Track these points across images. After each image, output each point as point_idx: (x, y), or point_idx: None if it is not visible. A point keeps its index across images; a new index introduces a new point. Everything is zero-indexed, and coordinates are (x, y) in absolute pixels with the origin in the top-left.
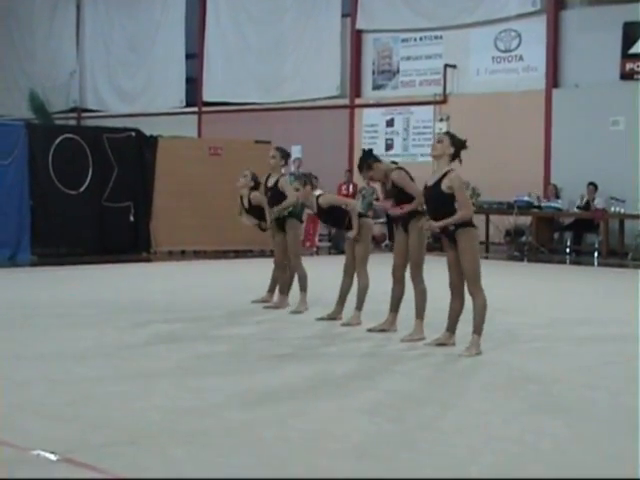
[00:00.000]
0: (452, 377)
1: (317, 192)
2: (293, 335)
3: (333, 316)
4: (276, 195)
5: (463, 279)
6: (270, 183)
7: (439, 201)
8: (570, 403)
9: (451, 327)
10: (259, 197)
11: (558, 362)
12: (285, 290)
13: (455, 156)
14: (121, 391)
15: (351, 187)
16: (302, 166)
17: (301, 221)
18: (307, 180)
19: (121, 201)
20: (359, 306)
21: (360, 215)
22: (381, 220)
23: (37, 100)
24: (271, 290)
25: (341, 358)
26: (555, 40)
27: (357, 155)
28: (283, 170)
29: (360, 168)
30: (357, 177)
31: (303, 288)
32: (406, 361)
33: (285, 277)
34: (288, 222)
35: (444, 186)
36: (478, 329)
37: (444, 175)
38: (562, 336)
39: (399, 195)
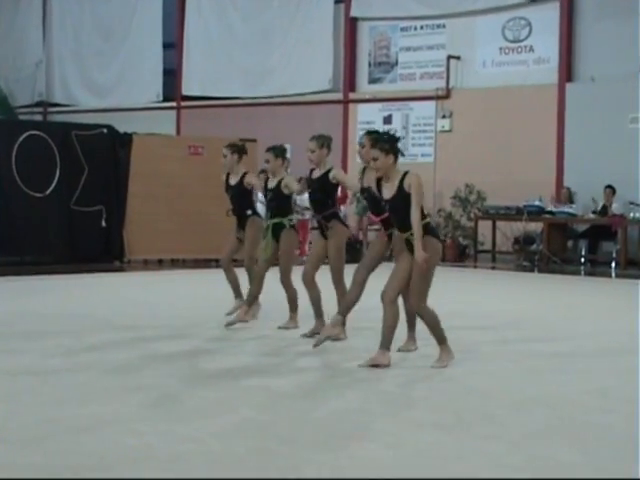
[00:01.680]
0: (450, 397)
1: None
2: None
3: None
4: (278, 198)
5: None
6: (271, 185)
7: (406, 207)
8: (582, 427)
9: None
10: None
11: (569, 382)
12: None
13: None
14: (91, 413)
15: (340, 191)
16: (290, 167)
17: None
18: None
19: (92, 205)
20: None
21: (342, 221)
22: (377, 227)
23: None
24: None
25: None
26: (569, 29)
27: (352, 155)
28: (285, 170)
29: (374, 144)
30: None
31: (294, 309)
32: (393, 378)
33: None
34: (287, 231)
35: (406, 186)
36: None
37: (402, 178)
38: (574, 353)
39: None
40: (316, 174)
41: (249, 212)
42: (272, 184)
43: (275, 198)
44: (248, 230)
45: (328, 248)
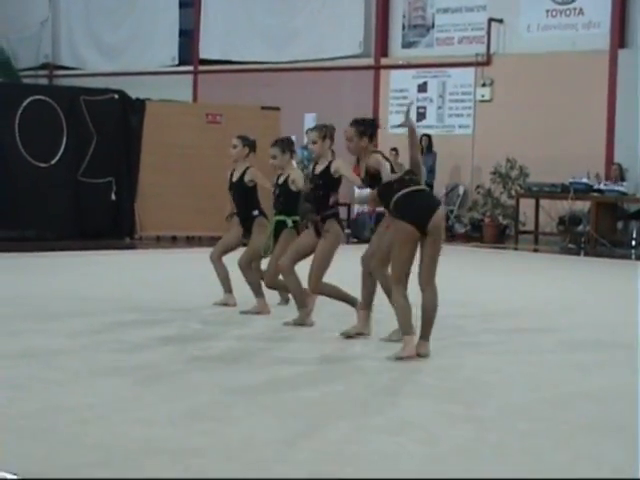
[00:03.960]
0: (492, 391)
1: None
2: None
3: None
4: (285, 194)
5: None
6: (279, 180)
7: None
8: (634, 425)
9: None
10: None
11: (620, 375)
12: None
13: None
14: (96, 402)
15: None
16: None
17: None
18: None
19: (101, 176)
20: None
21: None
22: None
23: (1, 54)
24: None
25: (362, 375)
26: None
27: (383, 125)
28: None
29: (352, 123)
30: None
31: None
32: (429, 373)
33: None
34: (288, 231)
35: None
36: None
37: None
38: (625, 344)
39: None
40: (318, 168)
41: (255, 212)
42: (280, 179)
43: (282, 194)
44: (255, 233)
45: (317, 249)
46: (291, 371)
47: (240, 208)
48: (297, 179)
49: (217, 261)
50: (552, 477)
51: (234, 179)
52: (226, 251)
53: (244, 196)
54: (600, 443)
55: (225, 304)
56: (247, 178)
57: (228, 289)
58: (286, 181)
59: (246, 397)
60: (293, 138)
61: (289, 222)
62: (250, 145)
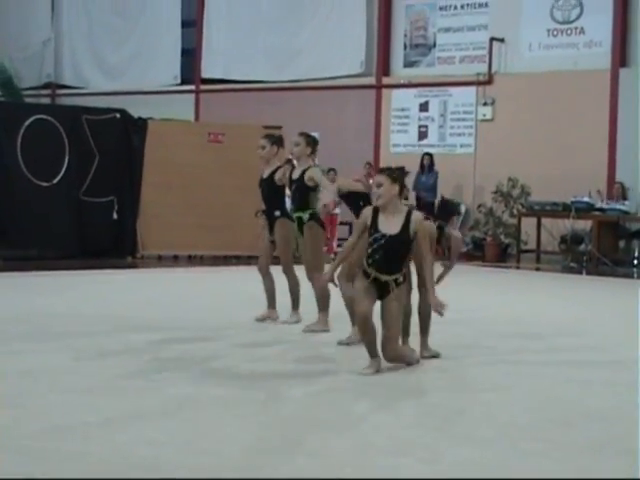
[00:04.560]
0: (494, 409)
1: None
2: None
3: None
4: (301, 188)
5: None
6: (295, 175)
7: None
8: (637, 445)
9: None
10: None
11: (623, 396)
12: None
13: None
14: (102, 421)
15: (371, 182)
16: (317, 157)
17: (323, 227)
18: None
19: (103, 195)
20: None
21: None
22: None
23: (4, 73)
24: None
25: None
26: (624, 9)
27: (384, 144)
28: (313, 160)
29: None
30: None
31: (324, 307)
32: (430, 390)
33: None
34: (307, 226)
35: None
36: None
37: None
38: (627, 363)
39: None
40: (295, 173)
41: (277, 213)
42: (296, 174)
43: (297, 190)
44: (277, 233)
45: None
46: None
47: (266, 206)
48: (314, 177)
49: (266, 274)
50: None
51: (264, 176)
52: (269, 257)
53: (271, 194)
54: (603, 463)
55: (267, 318)
56: (277, 177)
57: (272, 304)
58: (302, 176)
59: (248, 414)
60: (315, 134)
61: (305, 217)
62: (277, 142)
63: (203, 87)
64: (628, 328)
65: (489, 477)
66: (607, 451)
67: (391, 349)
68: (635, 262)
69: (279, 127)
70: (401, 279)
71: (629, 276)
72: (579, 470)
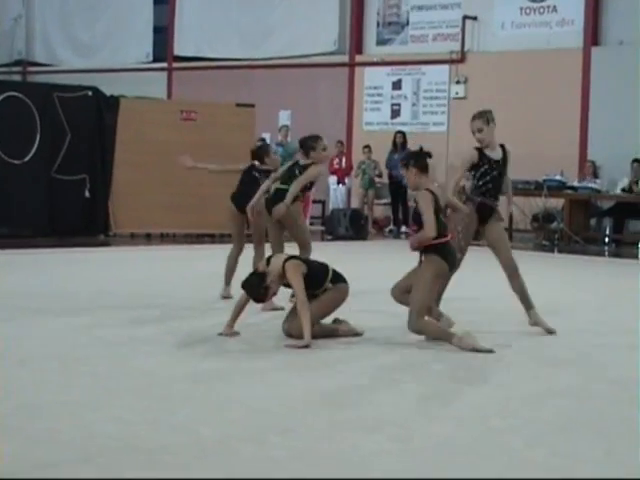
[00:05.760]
0: (465, 388)
1: None
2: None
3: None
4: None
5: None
6: None
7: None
8: (607, 422)
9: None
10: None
11: (593, 373)
12: None
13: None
14: (72, 400)
15: (344, 161)
16: (290, 135)
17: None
18: None
19: (75, 173)
20: None
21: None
22: (384, 201)
23: None
24: None
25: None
26: None
27: (357, 122)
28: None
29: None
30: (355, 151)
31: None
32: (404, 370)
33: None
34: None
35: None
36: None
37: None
38: (597, 344)
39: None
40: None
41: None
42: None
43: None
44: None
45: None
46: (266, 363)
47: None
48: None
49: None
50: (527, 473)
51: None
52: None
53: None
54: (575, 440)
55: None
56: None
57: None
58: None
59: (219, 392)
60: (267, 136)
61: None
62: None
63: (176, 65)
64: (600, 307)
65: (459, 454)
66: (577, 428)
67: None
68: (606, 240)
69: (252, 105)
70: None
71: (600, 254)
72: (550, 446)
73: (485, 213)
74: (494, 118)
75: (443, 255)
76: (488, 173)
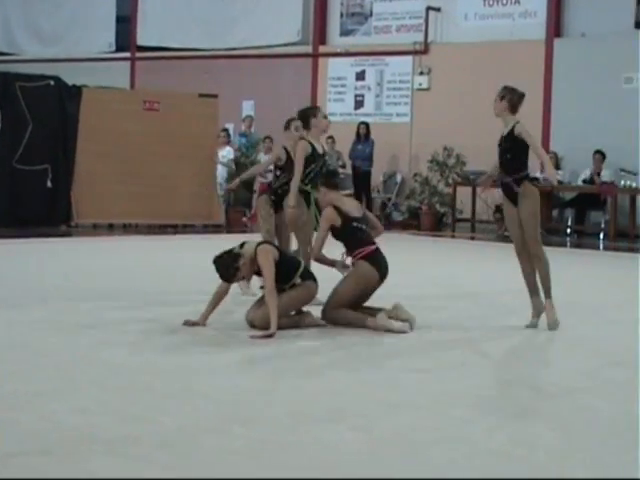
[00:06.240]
0: (429, 378)
1: None
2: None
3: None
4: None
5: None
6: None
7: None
8: (566, 411)
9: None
10: None
11: (552, 364)
12: None
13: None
14: (33, 390)
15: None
16: (253, 125)
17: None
18: None
19: (36, 163)
20: None
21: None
22: (347, 192)
23: None
24: None
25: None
26: None
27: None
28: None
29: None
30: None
31: None
32: (363, 360)
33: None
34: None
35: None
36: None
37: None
38: (556, 335)
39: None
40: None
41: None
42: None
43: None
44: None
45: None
46: (228, 357)
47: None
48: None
49: None
50: (486, 461)
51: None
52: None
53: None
54: (533, 428)
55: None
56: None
57: None
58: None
59: (182, 382)
60: (230, 126)
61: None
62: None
63: (138, 55)
64: (563, 297)
65: (419, 442)
66: (535, 416)
67: None
68: (568, 231)
69: (215, 96)
70: None
71: (562, 245)
72: (509, 434)
73: (507, 193)
74: (512, 98)
75: (371, 263)
76: (498, 148)
